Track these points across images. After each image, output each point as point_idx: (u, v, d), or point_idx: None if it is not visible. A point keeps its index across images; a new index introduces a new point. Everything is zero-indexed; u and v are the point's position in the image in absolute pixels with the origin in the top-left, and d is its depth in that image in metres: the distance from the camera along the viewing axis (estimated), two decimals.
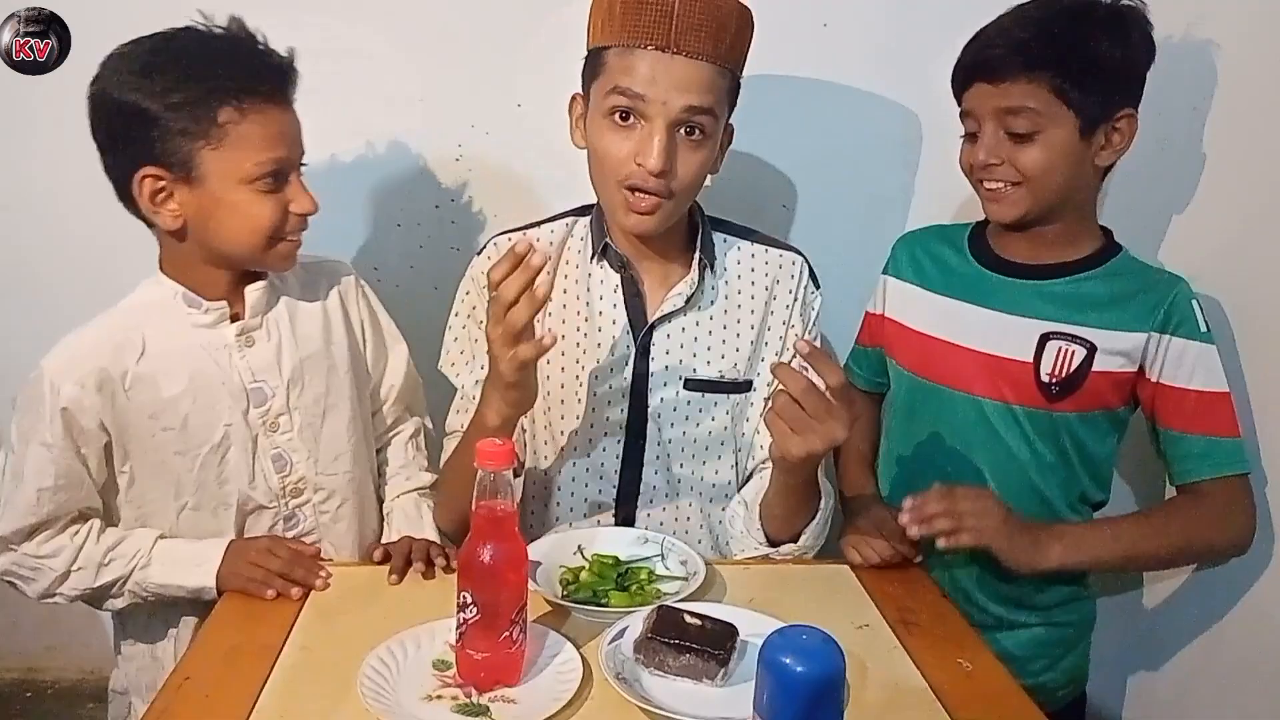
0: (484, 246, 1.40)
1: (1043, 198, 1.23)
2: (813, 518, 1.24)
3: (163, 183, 1.12)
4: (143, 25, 1.66)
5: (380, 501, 1.39)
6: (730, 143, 1.31)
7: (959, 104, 1.28)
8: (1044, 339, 1.25)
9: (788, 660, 0.72)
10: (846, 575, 1.23)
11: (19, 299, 1.80)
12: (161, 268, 1.21)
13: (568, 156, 1.32)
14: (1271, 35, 1.31)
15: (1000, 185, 1.24)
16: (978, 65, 1.23)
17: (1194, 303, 1.24)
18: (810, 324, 1.40)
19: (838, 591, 1.20)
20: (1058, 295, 1.27)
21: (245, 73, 1.12)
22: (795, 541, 1.25)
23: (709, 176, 1.28)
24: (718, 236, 1.38)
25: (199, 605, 1.19)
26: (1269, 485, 1.29)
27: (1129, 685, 1.47)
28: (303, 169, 1.19)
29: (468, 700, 0.95)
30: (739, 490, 1.38)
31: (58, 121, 1.70)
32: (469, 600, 0.95)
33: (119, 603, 1.20)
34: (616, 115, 1.21)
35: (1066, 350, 1.25)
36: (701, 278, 1.33)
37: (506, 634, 0.96)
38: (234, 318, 1.21)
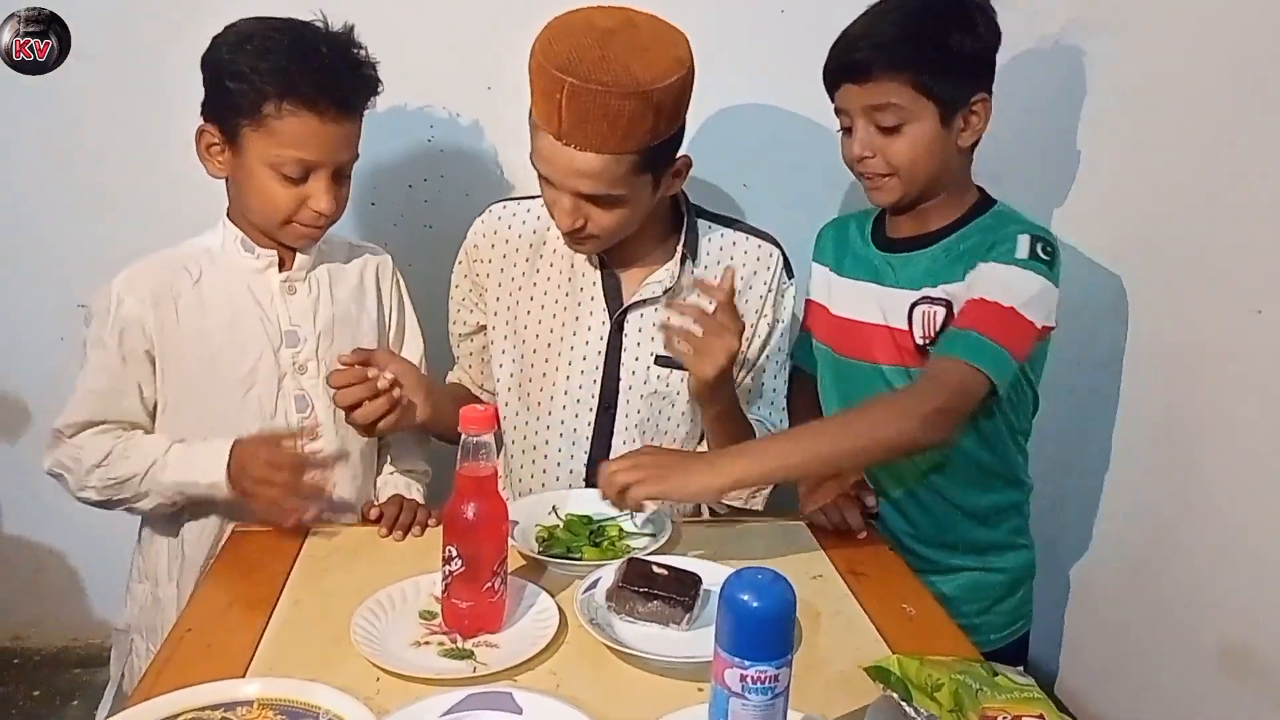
0: (483, 211, 1.46)
1: (915, 182, 1.32)
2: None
3: (215, 140, 1.27)
4: (143, 25, 1.70)
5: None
6: (689, 170, 1.34)
7: (832, 101, 1.35)
8: (913, 307, 1.35)
9: (744, 597, 0.80)
10: (801, 530, 1.32)
11: (17, 299, 1.84)
12: (227, 215, 1.33)
13: None
14: (1130, 41, 1.46)
15: (876, 175, 1.33)
16: (844, 68, 1.31)
17: (1023, 236, 1.28)
18: (785, 313, 1.46)
19: (793, 545, 1.29)
20: (925, 263, 1.35)
21: (302, 75, 1.21)
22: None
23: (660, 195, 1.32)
24: (701, 224, 1.43)
25: (203, 545, 1.28)
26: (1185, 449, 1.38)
27: (1065, 632, 1.57)
28: (344, 174, 1.29)
29: (453, 645, 1.03)
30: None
31: (58, 121, 1.74)
32: (454, 554, 1.02)
33: (145, 503, 1.28)
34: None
35: (930, 313, 1.34)
36: (681, 268, 1.39)
37: (489, 585, 1.03)
38: (283, 270, 1.33)
